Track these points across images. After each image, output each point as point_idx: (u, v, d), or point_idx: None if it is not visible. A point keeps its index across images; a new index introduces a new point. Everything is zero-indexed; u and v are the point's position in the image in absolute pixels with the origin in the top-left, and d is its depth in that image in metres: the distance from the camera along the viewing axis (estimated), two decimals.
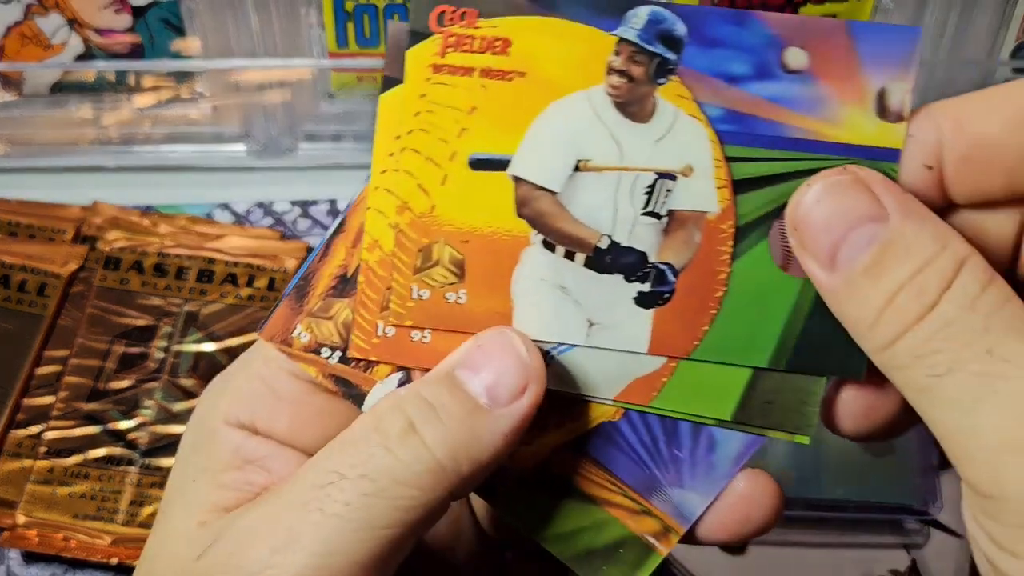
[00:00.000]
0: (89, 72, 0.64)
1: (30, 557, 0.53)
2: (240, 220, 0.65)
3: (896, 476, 0.55)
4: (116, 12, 0.61)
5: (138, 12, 0.61)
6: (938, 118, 0.26)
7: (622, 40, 0.27)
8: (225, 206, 0.66)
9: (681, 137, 0.27)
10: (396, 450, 0.25)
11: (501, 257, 0.28)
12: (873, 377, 0.27)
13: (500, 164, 0.27)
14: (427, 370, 0.28)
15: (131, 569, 0.51)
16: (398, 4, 0.60)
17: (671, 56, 0.27)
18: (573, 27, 0.27)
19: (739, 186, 0.27)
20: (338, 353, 0.29)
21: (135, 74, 0.64)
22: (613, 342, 0.28)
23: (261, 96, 0.64)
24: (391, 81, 0.28)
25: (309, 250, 0.62)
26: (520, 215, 0.28)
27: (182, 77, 0.64)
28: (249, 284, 0.60)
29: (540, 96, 0.27)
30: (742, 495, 0.29)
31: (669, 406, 0.28)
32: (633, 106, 0.27)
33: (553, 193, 0.28)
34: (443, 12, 0.27)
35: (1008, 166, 0.25)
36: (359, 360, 0.29)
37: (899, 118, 0.26)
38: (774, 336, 0.27)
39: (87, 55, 0.63)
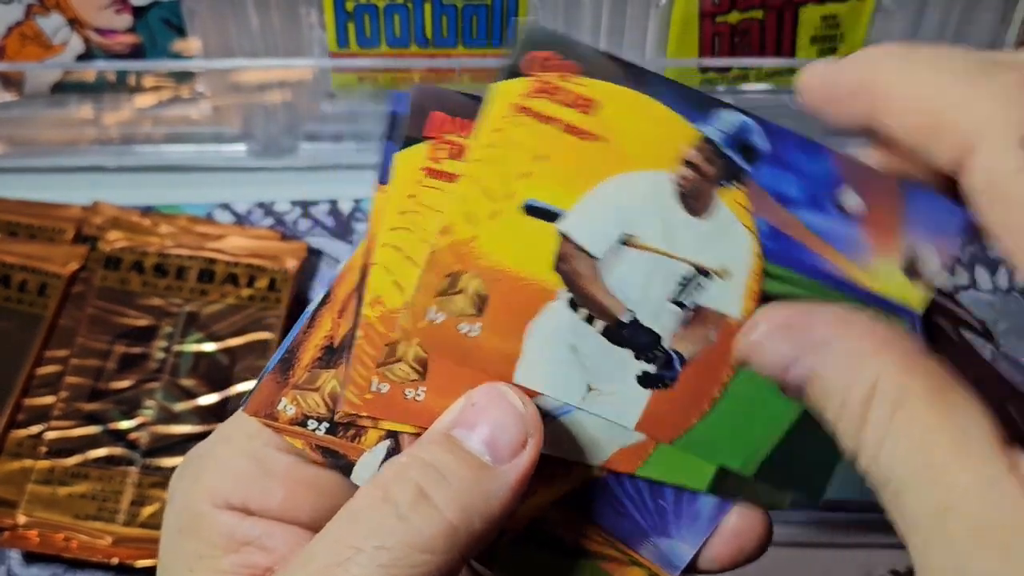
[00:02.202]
0: (90, 72, 0.64)
1: (31, 557, 0.53)
2: (241, 220, 0.65)
3: None
4: (117, 12, 0.62)
5: (139, 12, 0.61)
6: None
7: (707, 138, 0.28)
8: (226, 206, 0.66)
9: (728, 241, 0.28)
10: (409, 517, 0.25)
11: (524, 303, 0.28)
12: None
13: (552, 216, 0.28)
14: (417, 434, 0.28)
15: (132, 569, 0.51)
16: (399, 4, 0.60)
17: (745, 166, 0.28)
18: (661, 109, 0.28)
19: (766, 299, 0.28)
20: (325, 424, 0.29)
21: (136, 74, 0.64)
22: (605, 411, 0.29)
23: (262, 96, 0.64)
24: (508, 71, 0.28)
25: (309, 250, 0.63)
26: (557, 269, 0.28)
27: (183, 77, 0.64)
28: (250, 284, 0.60)
29: (611, 164, 0.28)
30: (734, 531, 0.30)
31: (653, 475, 0.29)
32: (693, 199, 0.28)
33: (593, 258, 0.28)
34: (547, 59, 0.28)
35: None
36: (346, 430, 0.29)
37: (928, 286, 0.28)
38: (752, 446, 0.29)
39: (88, 55, 0.63)
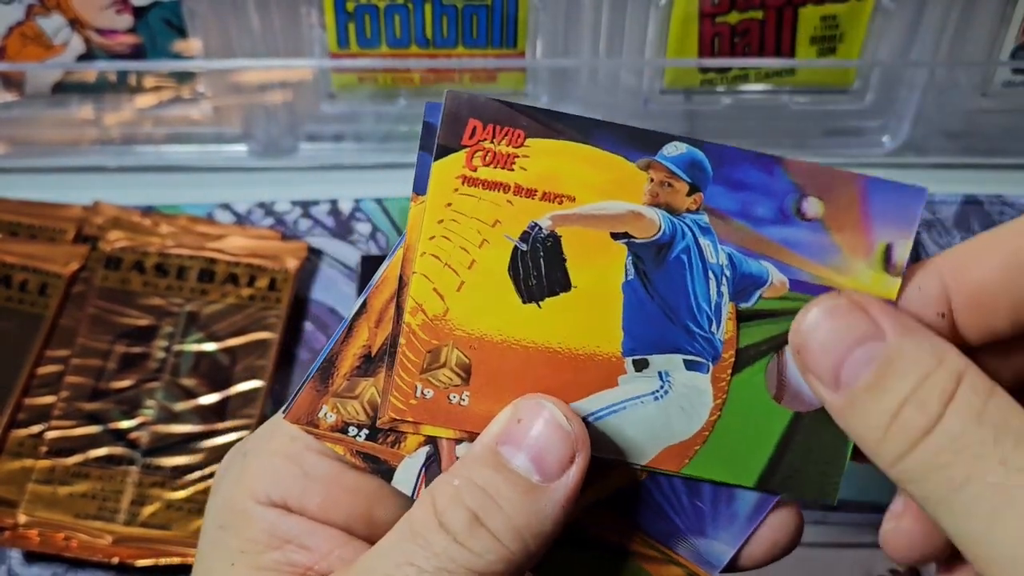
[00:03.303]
0: (90, 72, 0.64)
1: (31, 557, 0.53)
2: (241, 220, 0.65)
3: None
4: (117, 12, 0.62)
5: (139, 12, 0.62)
6: (941, 269, 0.27)
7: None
8: (226, 206, 0.66)
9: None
10: (467, 543, 0.26)
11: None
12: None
13: None
14: (458, 440, 0.29)
15: (132, 569, 0.51)
16: (399, 5, 0.60)
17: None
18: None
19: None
20: (365, 431, 0.29)
21: (136, 74, 0.64)
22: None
23: (262, 96, 0.64)
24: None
25: (310, 250, 0.63)
26: None
27: (183, 77, 0.64)
28: (250, 284, 0.60)
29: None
30: (769, 526, 0.30)
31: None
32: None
33: None
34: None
35: (1011, 305, 0.26)
36: (385, 437, 0.29)
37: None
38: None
39: (88, 55, 0.63)
